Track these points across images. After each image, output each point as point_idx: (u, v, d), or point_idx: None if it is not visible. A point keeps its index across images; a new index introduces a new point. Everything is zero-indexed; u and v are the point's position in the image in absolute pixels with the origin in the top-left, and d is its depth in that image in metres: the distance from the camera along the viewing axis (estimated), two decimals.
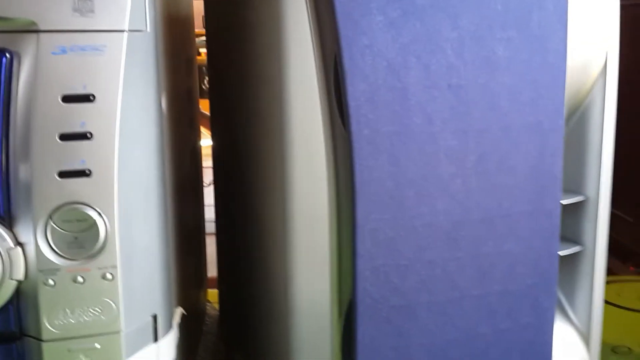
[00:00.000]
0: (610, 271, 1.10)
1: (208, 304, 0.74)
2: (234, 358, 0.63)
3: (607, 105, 0.49)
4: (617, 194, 1.36)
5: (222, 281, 0.73)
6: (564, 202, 0.49)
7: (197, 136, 0.69)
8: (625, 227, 1.28)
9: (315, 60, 0.42)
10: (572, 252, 0.51)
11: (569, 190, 0.52)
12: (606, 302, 0.74)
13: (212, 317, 0.71)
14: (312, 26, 0.41)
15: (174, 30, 0.50)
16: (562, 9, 0.44)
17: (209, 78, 0.73)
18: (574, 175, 0.51)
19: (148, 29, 0.40)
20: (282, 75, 0.42)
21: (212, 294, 0.75)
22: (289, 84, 0.42)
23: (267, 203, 0.48)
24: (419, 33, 0.41)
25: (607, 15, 0.49)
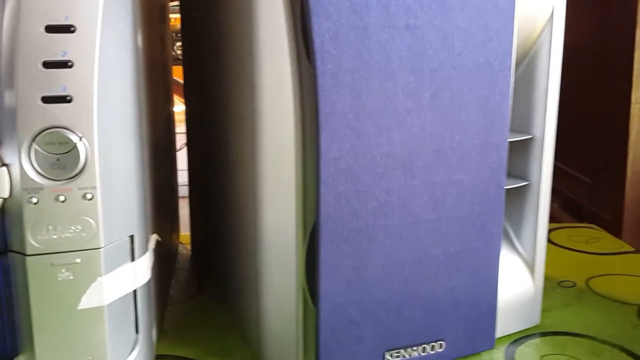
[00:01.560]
0: None
1: (180, 244, 0.78)
2: (205, 287, 0.67)
3: (553, 51, 0.53)
4: (576, 158, 1.42)
5: (194, 228, 0.76)
6: (513, 139, 0.54)
7: (170, 82, 0.72)
8: (583, 188, 1.35)
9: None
10: (519, 186, 0.56)
11: (518, 131, 0.56)
12: (556, 244, 0.79)
13: (184, 256, 0.75)
14: None
15: None
16: None
17: (182, 34, 0.75)
18: (523, 117, 0.56)
19: None
20: (252, 17, 0.45)
21: (185, 236, 0.79)
22: (258, 26, 0.45)
23: (238, 140, 0.52)
24: None
25: None
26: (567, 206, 1.43)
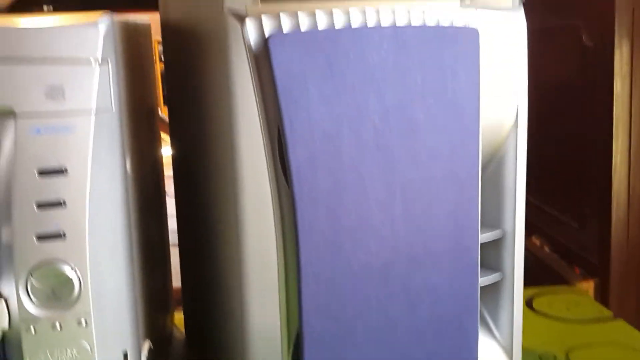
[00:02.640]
0: (557, 274, 1.20)
1: (175, 327, 0.80)
2: None
3: (519, 152, 0.57)
4: (563, 202, 1.45)
5: (186, 301, 0.79)
6: (485, 237, 0.57)
7: (160, 170, 0.74)
8: (571, 232, 1.37)
9: (261, 128, 0.48)
10: (493, 281, 0.59)
11: (489, 226, 0.59)
12: (538, 312, 0.82)
13: (178, 340, 0.77)
14: (257, 100, 0.47)
15: (137, 94, 0.55)
16: (474, 76, 0.51)
17: (168, 112, 0.77)
18: (494, 213, 0.59)
19: (113, 109, 0.46)
20: (234, 139, 0.48)
21: (179, 317, 0.81)
22: (239, 146, 0.48)
23: (224, 249, 0.55)
24: (349, 106, 0.47)
25: (517, 73, 0.56)
26: (557, 249, 1.46)
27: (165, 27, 0.72)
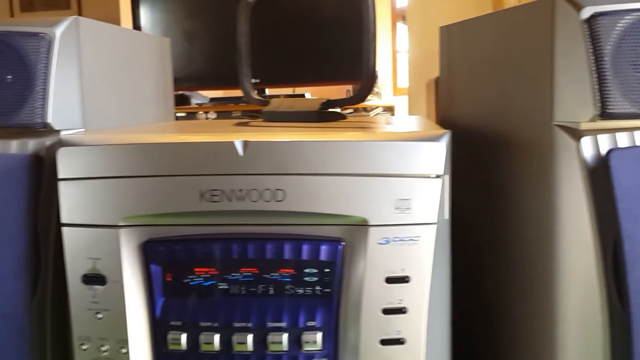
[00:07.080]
0: None
1: None
2: None
3: None
4: None
5: None
6: None
7: None
8: None
9: (594, 245, 0.47)
10: None
11: None
12: None
13: None
14: (590, 218, 0.47)
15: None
16: None
17: None
18: None
19: (446, 216, 0.48)
20: (556, 255, 0.48)
21: None
22: (563, 262, 0.48)
23: None
24: None
25: None
26: None
27: (443, 120, 0.75)
